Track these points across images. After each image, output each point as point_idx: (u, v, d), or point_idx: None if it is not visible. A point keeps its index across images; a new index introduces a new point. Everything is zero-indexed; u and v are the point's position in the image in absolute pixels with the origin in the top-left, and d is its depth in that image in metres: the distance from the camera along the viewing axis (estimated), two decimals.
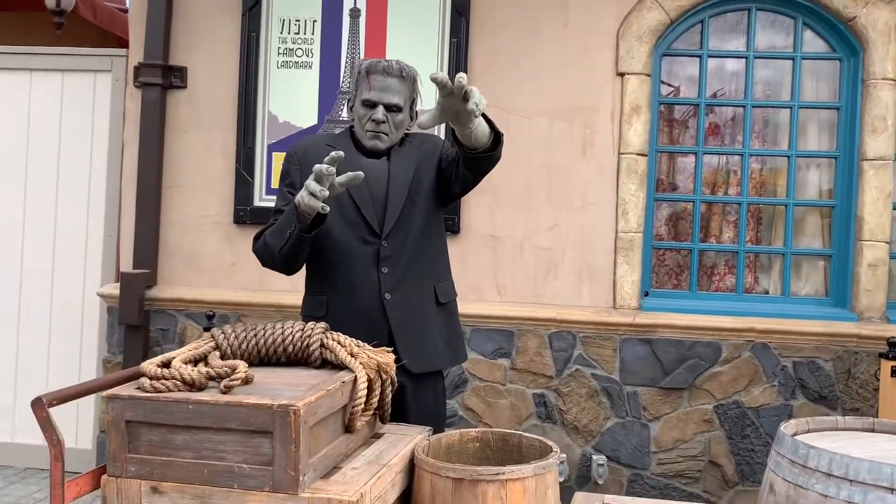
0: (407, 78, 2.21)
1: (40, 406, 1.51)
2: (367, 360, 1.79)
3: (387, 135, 2.21)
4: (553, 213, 3.79)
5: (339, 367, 1.81)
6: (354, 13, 3.81)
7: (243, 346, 1.87)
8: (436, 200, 2.29)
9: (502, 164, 3.78)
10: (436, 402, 2.32)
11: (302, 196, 1.95)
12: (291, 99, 3.84)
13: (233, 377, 1.59)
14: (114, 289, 3.86)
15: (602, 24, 3.75)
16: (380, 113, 2.17)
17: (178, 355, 1.74)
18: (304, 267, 2.33)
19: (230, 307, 3.85)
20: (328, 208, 1.94)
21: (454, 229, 3.76)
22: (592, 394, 3.72)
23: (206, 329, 3.33)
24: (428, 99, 3.78)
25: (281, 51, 3.85)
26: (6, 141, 4.23)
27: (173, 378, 1.60)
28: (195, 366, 1.75)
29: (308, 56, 3.83)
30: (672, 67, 3.97)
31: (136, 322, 3.77)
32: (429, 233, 2.28)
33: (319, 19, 3.82)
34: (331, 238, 2.21)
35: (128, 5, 5.87)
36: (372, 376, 1.78)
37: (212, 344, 1.86)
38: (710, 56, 3.87)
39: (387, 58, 2.26)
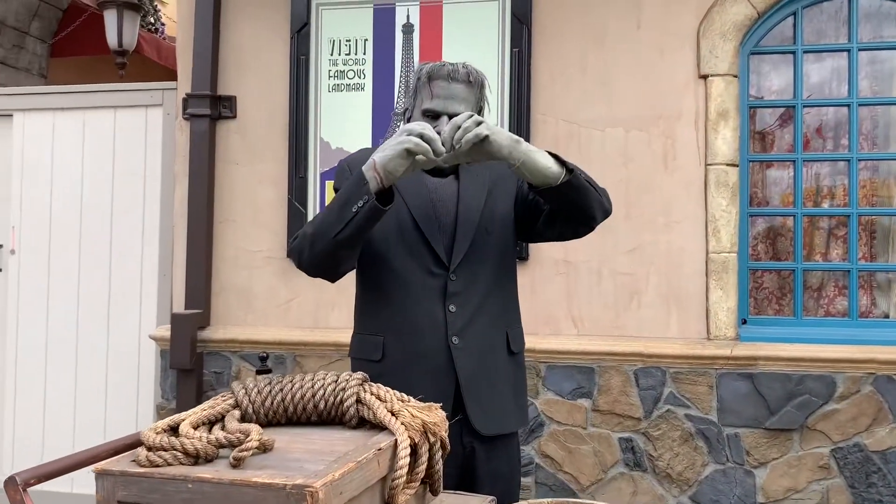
0: (475, 84, 1.86)
1: (14, 487, 1.24)
2: (411, 420, 1.46)
3: None
4: (633, 234, 3.40)
5: (381, 426, 1.49)
6: (408, 28, 3.56)
7: (267, 404, 1.58)
8: (511, 232, 1.95)
9: None
10: (509, 465, 1.96)
11: (404, 137, 1.66)
12: (344, 123, 3.60)
13: (243, 446, 1.29)
14: (166, 331, 3.68)
15: (680, 22, 3.37)
16: (444, 125, 1.81)
17: (189, 417, 1.47)
18: (350, 289, 2.03)
19: (286, 347, 3.60)
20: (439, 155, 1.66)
21: (521, 255, 3.41)
22: (687, 437, 3.28)
23: (259, 372, 3.09)
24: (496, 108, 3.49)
25: (332, 73, 3.62)
26: (62, 182, 4.14)
27: (173, 448, 1.31)
28: (210, 429, 1.48)
29: (360, 77, 3.59)
30: (761, 67, 3.55)
31: (188, 366, 3.56)
32: (502, 269, 1.94)
33: (371, 37, 3.59)
34: (389, 267, 1.87)
35: None
36: (417, 439, 1.45)
37: (231, 401, 1.57)
38: (805, 52, 3.43)
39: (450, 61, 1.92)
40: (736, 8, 3.33)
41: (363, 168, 1.70)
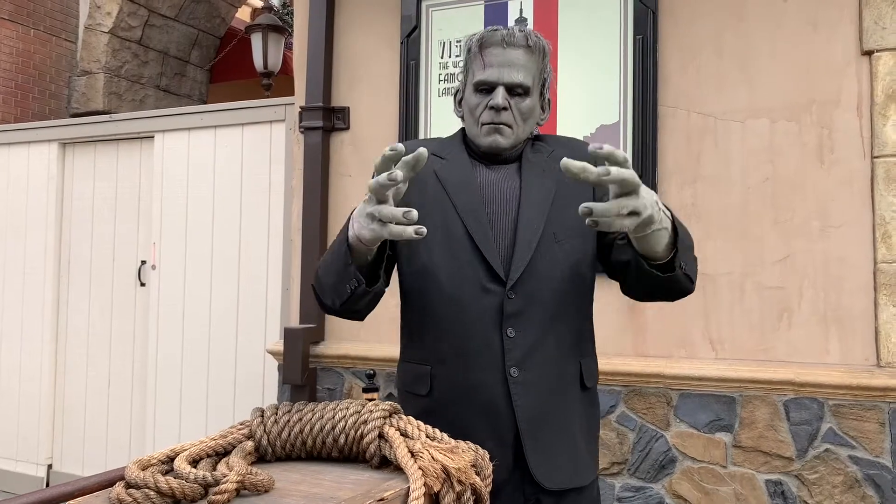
0: (535, 49, 1.53)
1: None
2: (429, 463, 1.21)
3: (510, 127, 1.53)
4: (782, 242, 2.92)
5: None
6: (521, 23, 3.30)
7: (284, 435, 1.38)
8: (590, 242, 1.58)
9: (711, 184, 3.02)
10: None
11: (358, 222, 1.32)
12: (453, 128, 3.39)
13: (218, 489, 1.10)
14: (281, 345, 3.65)
15: None
16: (499, 97, 1.50)
17: (193, 448, 1.31)
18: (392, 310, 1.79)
19: (395, 364, 3.44)
20: (421, 231, 1.27)
21: None
22: (851, 483, 2.73)
23: (366, 390, 2.96)
24: (619, 102, 3.13)
25: (441, 77, 3.44)
26: (195, 199, 4.28)
27: (146, 487, 1.15)
28: (216, 463, 1.31)
29: None
30: None
31: (300, 381, 3.50)
32: (576, 287, 1.56)
33: None
34: (434, 282, 1.54)
35: None
36: (438, 487, 1.20)
37: (246, 431, 1.40)
38: None
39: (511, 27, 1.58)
40: None
41: (350, 232, 1.37)
